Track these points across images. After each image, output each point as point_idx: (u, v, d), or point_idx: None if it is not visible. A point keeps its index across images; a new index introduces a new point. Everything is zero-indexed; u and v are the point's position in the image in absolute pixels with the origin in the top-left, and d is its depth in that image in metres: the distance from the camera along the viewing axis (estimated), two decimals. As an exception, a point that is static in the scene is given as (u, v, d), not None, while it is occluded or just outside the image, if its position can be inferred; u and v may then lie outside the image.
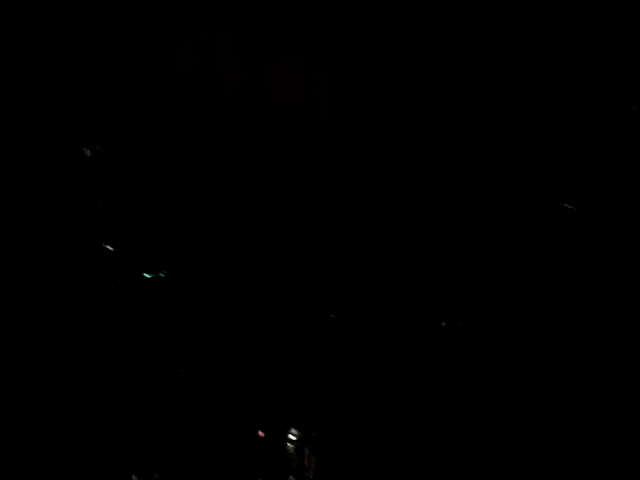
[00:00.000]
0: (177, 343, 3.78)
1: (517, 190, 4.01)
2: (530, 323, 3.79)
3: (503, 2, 4.10)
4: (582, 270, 3.83)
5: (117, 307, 3.80)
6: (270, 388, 3.72)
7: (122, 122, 4.17)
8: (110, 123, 4.13)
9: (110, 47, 4.19)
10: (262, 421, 3.64)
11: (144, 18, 4.20)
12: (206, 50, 4.19)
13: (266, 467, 3.56)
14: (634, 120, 3.98)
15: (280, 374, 3.75)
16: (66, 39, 4.13)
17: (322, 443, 3.60)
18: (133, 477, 3.47)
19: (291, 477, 3.55)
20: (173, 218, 4.04)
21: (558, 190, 3.96)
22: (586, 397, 3.59)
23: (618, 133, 4.00)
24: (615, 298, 3.76)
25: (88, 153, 4.04)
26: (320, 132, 4.15)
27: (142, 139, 4.15)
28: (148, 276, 3.85)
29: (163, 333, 3.80)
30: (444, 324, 3.75)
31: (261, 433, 3.60)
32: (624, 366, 3.63)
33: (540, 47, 4.06)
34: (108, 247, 3.89)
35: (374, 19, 4.18)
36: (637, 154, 3.95)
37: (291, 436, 3.58)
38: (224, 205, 4.07)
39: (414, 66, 4.16)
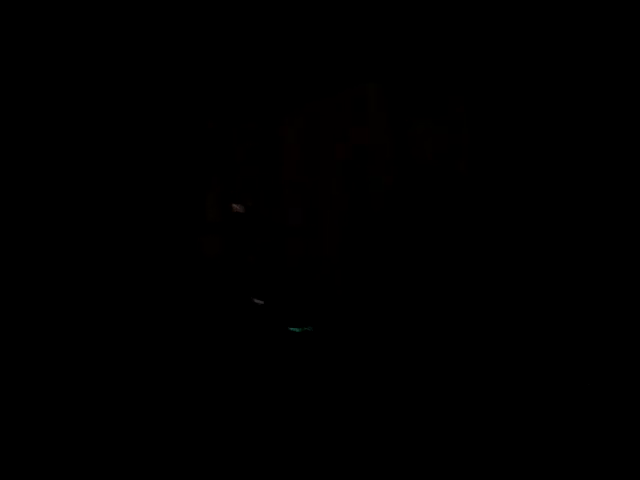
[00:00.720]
0: (327, 398, 3.90)
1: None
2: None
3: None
4: None
5: (268, 361, 3.96)
6: (432, 439, 3.79)
7: (270, 179, 4.33)
8: (260, 180, 4.31)
9: (258, 107, 4.36)
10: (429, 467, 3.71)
11: (290, 77, 4.35)
12: (350, 107, 4.31)
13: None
14: None
15: (441, 428, 3.81)
16: (216, 102, 4.32)
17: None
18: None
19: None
20: (320, 274, 4.18)
21: None
22: None
23: None
24: None
25: (240, 209, 4.23)
26: (461, 186, 4.20)
27: (288, 196, 4.31)
28: (296, 330, 4.00)
29: (312, 387, 3.93)
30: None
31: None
32: None
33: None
34: (258, 301, 4.06)
35: (517, 66, 4.20)
36: None
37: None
38: (368, 262, 4.17)
39: (556, 114, 4.15)
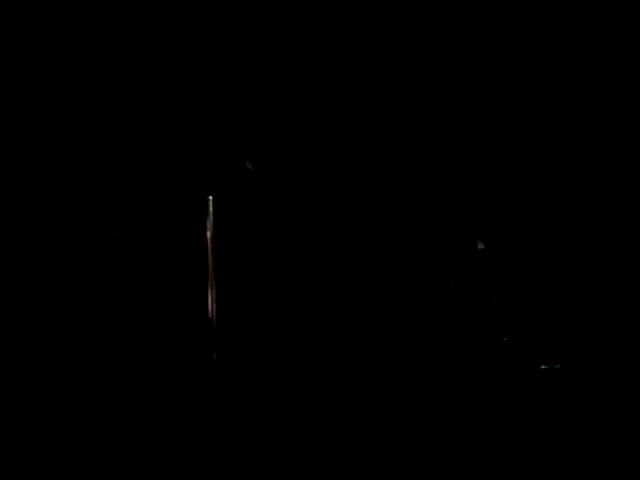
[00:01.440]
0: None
1: None
2: None
3: None
4: None
5: (515, 396, 3.94)
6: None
7: (511, 212, 4.33)
8: (503, 215, 4.32)
9: (491, 139, 4.39)
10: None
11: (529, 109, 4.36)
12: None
13: None
14: None
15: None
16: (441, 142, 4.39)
17: None
18: None
19: None
20: (569, 311, 4.14)
21: None
22: None
23: None
24: None
25: (481, 246, 4.26)
26: None
27: (527, 232, 4.29)
28: (545, 367, 3.97)
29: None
30: None
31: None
32: None
33: None
34: (504, 338, 4.06)
35: None
36: None
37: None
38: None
39: None
